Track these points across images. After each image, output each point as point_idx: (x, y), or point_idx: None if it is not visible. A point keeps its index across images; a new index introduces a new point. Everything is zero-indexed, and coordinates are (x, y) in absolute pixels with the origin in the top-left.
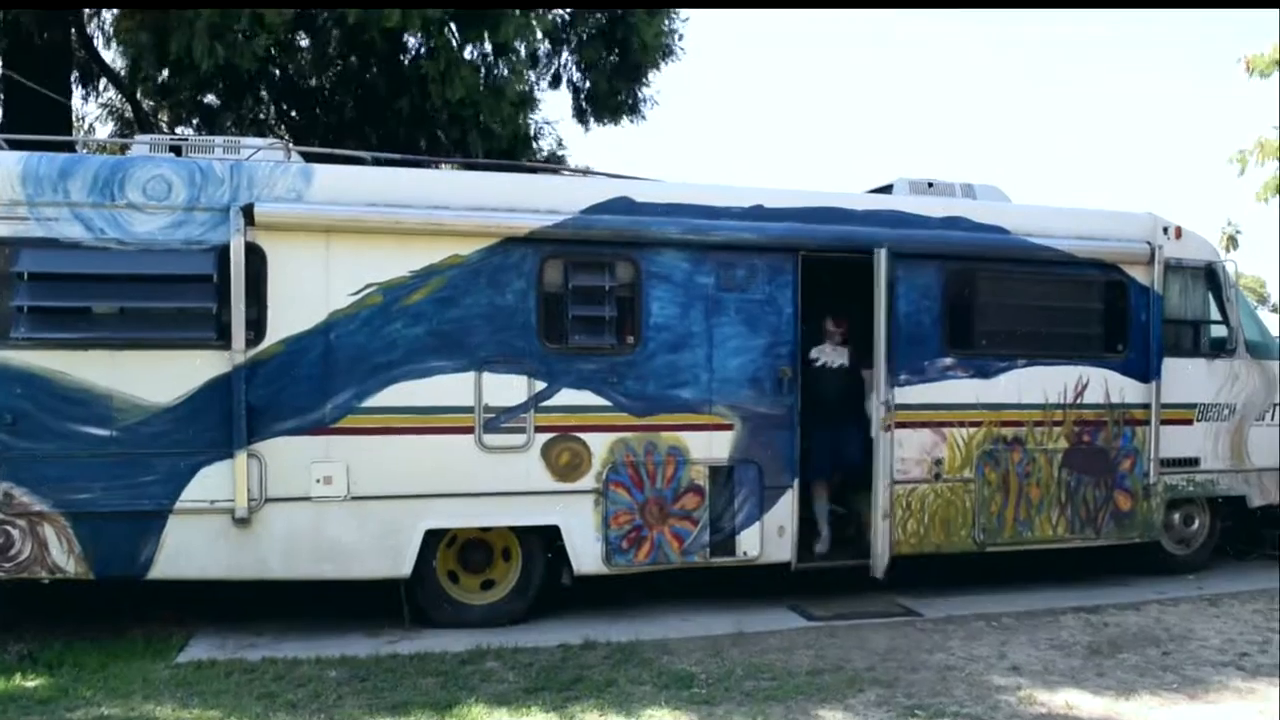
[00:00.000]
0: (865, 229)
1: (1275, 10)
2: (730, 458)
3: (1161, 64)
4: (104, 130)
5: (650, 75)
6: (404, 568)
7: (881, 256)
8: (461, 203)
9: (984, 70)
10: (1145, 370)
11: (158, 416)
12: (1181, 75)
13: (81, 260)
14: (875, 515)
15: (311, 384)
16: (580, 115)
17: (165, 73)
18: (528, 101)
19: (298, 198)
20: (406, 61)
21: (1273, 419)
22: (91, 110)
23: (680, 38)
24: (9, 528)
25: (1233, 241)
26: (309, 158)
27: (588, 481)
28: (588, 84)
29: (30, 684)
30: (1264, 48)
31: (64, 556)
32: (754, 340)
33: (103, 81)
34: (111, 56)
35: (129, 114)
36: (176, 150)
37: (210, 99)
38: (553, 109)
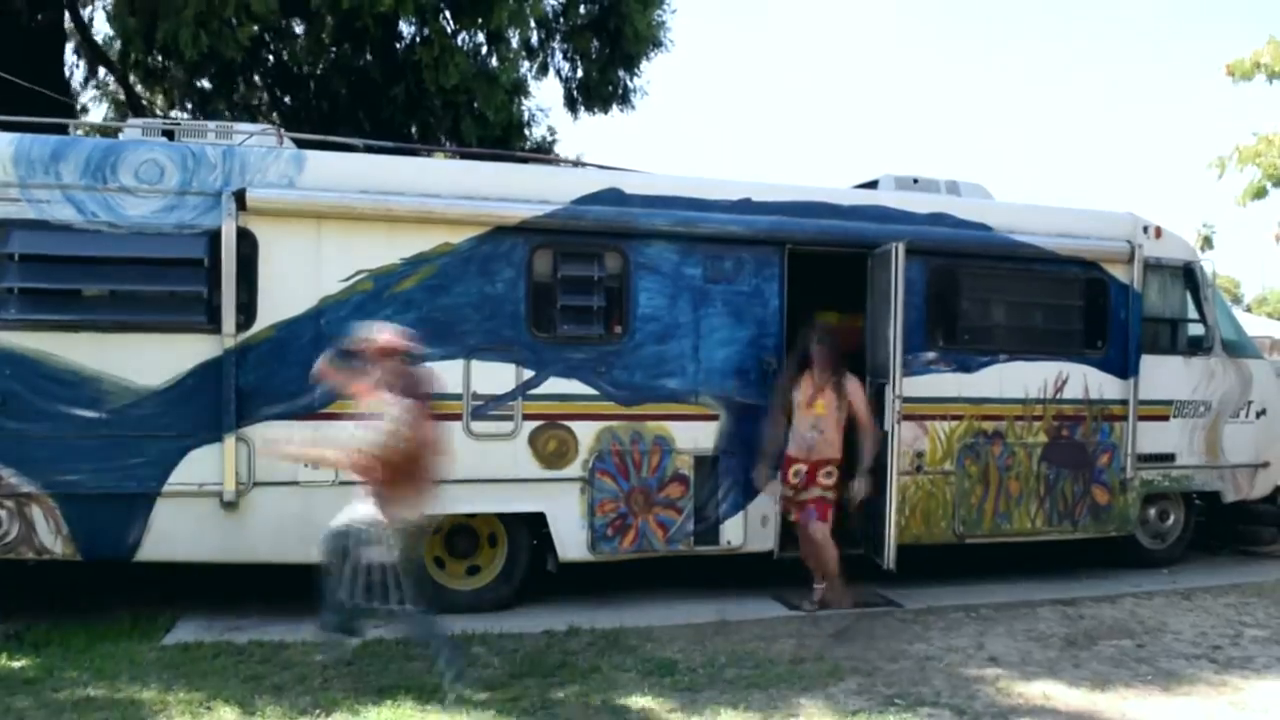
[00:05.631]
0: (851, 224)
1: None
2: (715, 448)
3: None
4: (98, 114)
5: (641, 65)
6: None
7: (900, 251)
8: (453, 191)
9: (973, 69)
10: (1124, 367)
11: (147, 399)
12: (1160, 78)
13: (72, 242)
14: (888, 507)
15: (301, 369)
16: (571, 104)
17: (157, 57)
18: (521, 88)
19: (290, 184)
20: (400, 48)
21: (1247, 416)
22: (86, 93)
23: (668, 30)
24: None
25: (1208, 242)
26: (301, 144)
27: (574, 469)
28: (579, 73)
29: (16, 664)
30: (1245, 53)
31: (51, 538)
32: (740, 332)
33: (98, 66)
34: (104, 39)
35: (123, 98)
36: (169, 134)
37: (204, 84)
38: (543, 98)
